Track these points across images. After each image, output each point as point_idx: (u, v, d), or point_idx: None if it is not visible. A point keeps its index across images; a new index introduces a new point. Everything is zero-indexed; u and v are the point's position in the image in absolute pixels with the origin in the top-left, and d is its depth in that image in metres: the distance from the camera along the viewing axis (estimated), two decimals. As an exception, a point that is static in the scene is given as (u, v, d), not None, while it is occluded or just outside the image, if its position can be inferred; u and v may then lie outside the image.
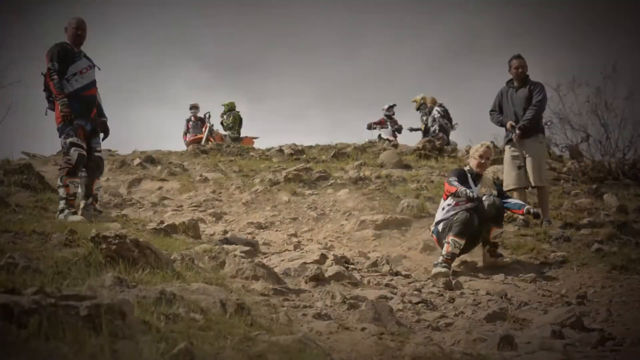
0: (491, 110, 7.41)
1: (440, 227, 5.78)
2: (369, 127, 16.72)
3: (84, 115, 6.26)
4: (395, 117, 16.62)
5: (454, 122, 16.51)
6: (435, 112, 15.74)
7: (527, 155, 7.03)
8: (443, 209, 5.84)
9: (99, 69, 6.45)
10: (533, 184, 7.07)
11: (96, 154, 6.45)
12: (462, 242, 5.53)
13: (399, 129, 16.48)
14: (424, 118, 16.12)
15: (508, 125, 7.14)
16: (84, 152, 6.19)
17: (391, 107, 16.62)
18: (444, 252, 5.53)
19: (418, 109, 16.21)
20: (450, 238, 5.54)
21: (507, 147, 7.24)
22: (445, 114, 15.79)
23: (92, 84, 6.36)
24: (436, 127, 15.52)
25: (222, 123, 16.65)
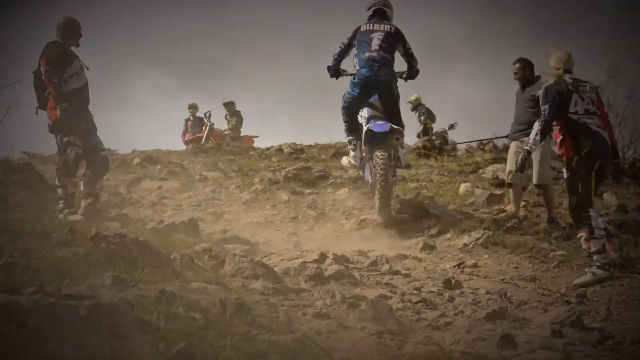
0: None
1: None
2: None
3: (80, 115, 6.30)
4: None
5: (453, 122, 16.43)
6: None
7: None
8: None
9: (87, 69, 6.50)
10: (535, 182, 7.06)
11: (102, 152, 6.51)
12: None
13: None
14: (422, 118, 16.09)
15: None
16: (81, 152, 6.24)
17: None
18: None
19: (414, 109, 16.17)
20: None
21: (512, 143, 7.20)
22: None
23: (86, 84, 6.42)
24: None
25: (228, 124, 16.64)
